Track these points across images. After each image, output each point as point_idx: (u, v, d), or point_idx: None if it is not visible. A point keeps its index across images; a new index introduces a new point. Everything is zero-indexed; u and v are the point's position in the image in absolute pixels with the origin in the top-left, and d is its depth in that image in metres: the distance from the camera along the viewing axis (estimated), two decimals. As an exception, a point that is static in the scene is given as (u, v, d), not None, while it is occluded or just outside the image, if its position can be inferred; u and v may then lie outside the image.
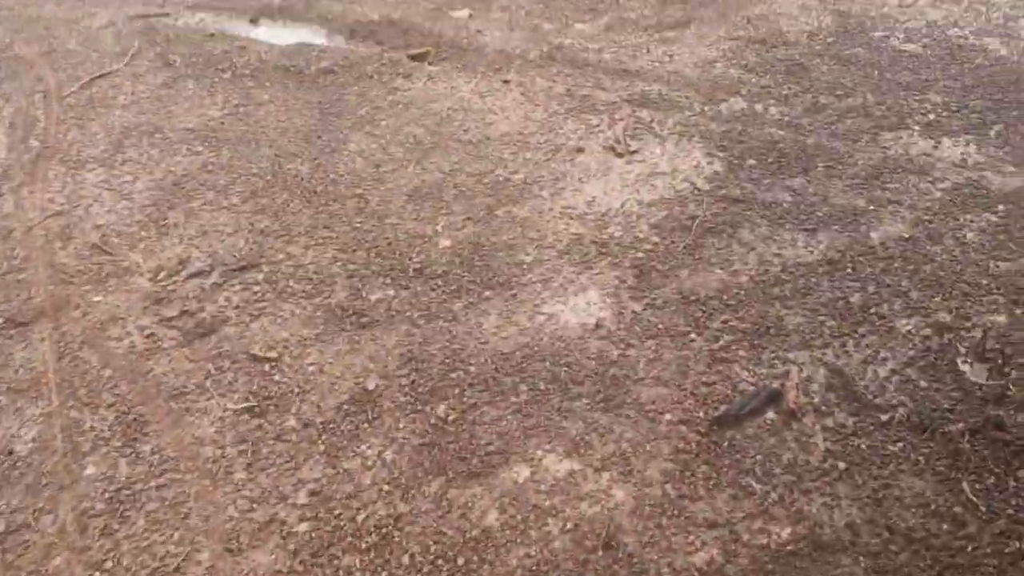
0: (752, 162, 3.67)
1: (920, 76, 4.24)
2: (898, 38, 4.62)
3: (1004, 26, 4.71)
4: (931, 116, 3.92)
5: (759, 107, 4.08)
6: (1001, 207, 3.31)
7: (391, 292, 3.17)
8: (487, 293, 3.09)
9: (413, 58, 4.82)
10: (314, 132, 4.17)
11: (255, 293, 3.23)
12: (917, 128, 3.84)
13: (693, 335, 2.83)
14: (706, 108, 4.10)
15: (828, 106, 4.04)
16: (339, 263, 3.34)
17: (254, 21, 5.41)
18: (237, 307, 3.17)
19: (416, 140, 4.03)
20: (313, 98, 4.47)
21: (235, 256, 3.42)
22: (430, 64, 4.75)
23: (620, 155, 3.78)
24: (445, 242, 3.39)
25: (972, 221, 3.23)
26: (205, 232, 3.57)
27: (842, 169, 3.59)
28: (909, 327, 2.79)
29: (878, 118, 3.92)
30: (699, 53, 4.59)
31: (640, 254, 3.21)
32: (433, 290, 3.15)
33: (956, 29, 4.69)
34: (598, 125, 4.02)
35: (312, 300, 3.18)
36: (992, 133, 3.78)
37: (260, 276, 3.31)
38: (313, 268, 3.33)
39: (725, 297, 2.96)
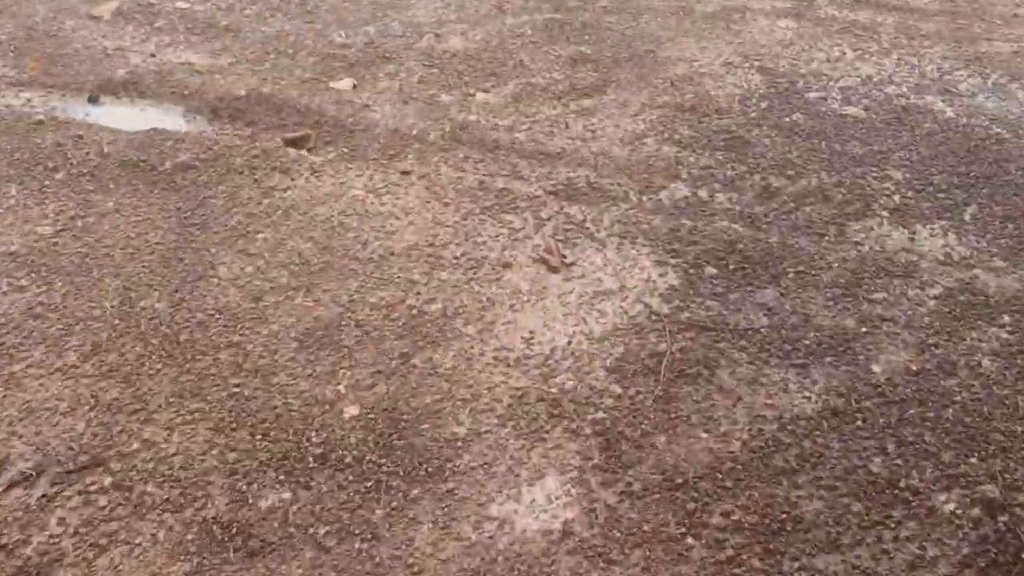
0: (712, 271, 3.10)
1: (872, 147, 3.79)
2: (836, 99, 4.19)
3: (941, 81, 4.36)
4: (896, 198, 3.47)
5: (704, 194, 3.53)
6: (1007, 318, 2.85)
7: (287, 495, 2.41)
8: (415, 491, 2.38)
9: (290, 143, 4.06)
10: (174, 253, 3.36)
11: (101, 509, 2.41)
12: (885, 215, 3.37)
13: (690, 539, 2.21)
14: (644, 198, 3.53)
15: (781, 190, 3.53)
16: (215, 451, 2.56)
17: (94, 100, 4.51)
18: (76, 534, 2.35)
19: (303, 259, 3.28)
20: (170, 204, 3.64)
21: (72, 448, 2.59)
22: (311, 151, 4.00)
23: (554, 269, 3.15)
24: (351, 410, 2.66)
25: (981, 341, 2.75)
26: (31, 411, 2.72)
27: (816, 275, 3.07)
28: (951, 506, 2.25)
29: (840, 203, 3.44)
30: (624, 126, 4.02)
31: (602, 414, 2.57)
32: (343, 488, 2.41)
33: (893, 87, 4.30)
34: (522, 228, 3.38)
35: (181, 513, 2.39)
36: (967, 216, 3.35)
37: (108, 480, 2.50)
38: (180, 462, 2.54)
39: (719, 475, 2.36)
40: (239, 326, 3.00)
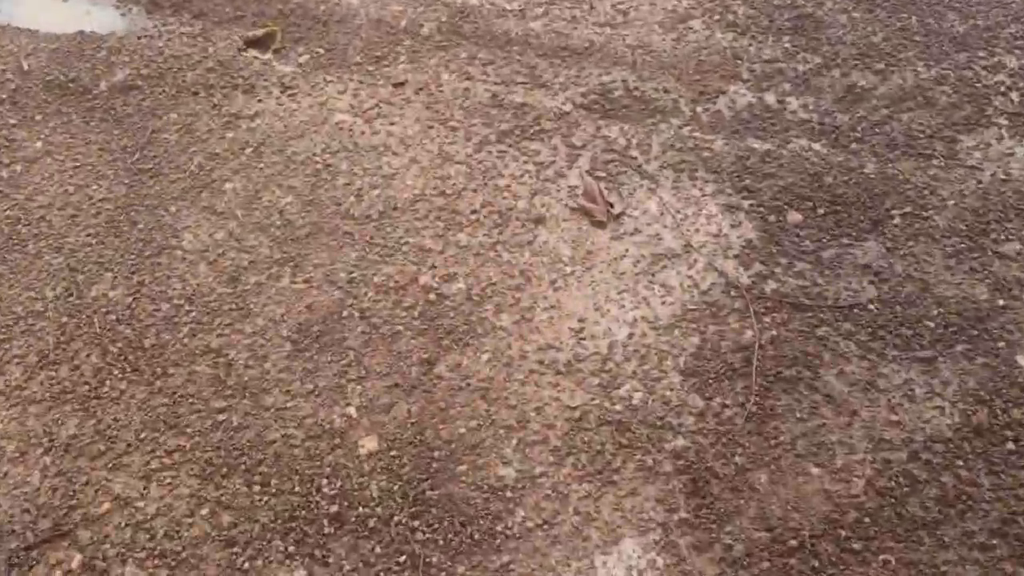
0: (797, 217, 2.49)
1: (975, 21, 3.06)
2: (921, -50, 3.38)
3: (1046, -86, 3.52)
4: (1015, 97, 2.79)
5: (772, 99, 2.85)
6: None
7: (301, 574, 1.94)
8: (460, 567, 1.90)
9: (251, 44, 3.29)
10: (124, 213, 2.72)
11: (73, 602, 1.95)
12: (1004, 122, 2.72)
13: (815, 629, 1.77)
14: (699, 109, 2.84)
15: (869, 92, 2.84)
16: (204, 509, 2.07)
17: (2, -10, 3.66)
18: (46, 641, 1.90)
19: (284, 219, 2.65)
20: (113, 142, 2.95)
21: (29, 512, 2.09)
22: (277, 53, 3.24)
23: (600, 223, 2.53)
24: (368, 443, 2.14)
25: None
26: (-28, 458, 2.20)
27: (929, 219, 2.46)
28: None
29: (945, 109, 2.77)
30: (662, 4, 3.24)
31: (682, 441, 2.06)
32: (369, 564, 1.94)
33: (989, -74, 3.47)
34: (553, 162, 2.72)
35: (172, 606, 1.93)
36: (1104, 120, 2.71)
37: (77, 559, 2.01)
38: (163, 527, 2.04)
39: (842, 532, 1.88)
40: (216, 322, 2.42)
